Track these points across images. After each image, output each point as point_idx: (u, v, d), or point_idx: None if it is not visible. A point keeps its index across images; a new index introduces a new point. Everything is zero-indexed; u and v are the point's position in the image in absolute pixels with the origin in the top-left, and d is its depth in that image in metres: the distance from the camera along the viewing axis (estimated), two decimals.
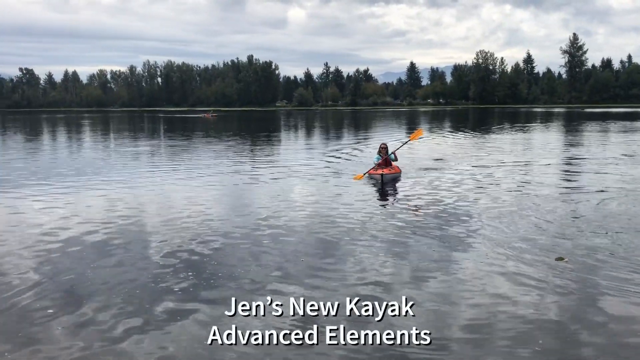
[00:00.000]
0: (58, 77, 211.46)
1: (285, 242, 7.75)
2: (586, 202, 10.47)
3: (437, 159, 18.79)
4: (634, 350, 4.46)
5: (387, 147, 14.69)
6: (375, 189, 12.58)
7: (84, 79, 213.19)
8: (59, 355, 4.46)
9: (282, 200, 11.05)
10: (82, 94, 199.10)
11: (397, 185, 13.14)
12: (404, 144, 16.51)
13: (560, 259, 6.77)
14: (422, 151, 23.01)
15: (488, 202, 10.59)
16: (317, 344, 4.57)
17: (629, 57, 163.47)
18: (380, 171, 13.24)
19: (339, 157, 20.14)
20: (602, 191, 11.62)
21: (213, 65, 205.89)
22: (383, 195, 11.94)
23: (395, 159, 14.55)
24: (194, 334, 4.79)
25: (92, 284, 6.08)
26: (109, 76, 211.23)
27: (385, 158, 14.28)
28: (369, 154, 20.38)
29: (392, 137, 31.84)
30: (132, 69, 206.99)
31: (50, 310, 5.35)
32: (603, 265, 6.52)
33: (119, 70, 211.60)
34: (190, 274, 6.39)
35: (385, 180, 12.81)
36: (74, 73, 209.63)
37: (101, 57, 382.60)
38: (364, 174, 13.95)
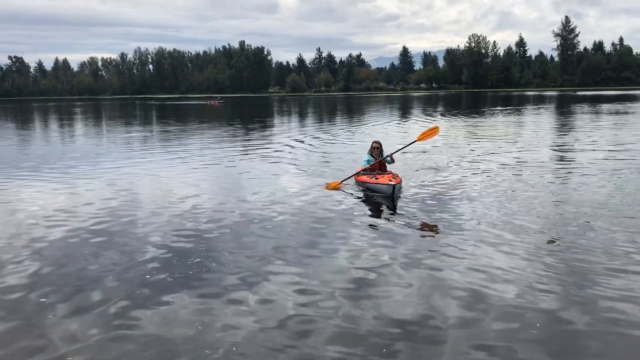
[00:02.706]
0: (48, 65, 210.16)
1: (276, 231, 7.76)
2: (578, 185, 10.56)
3: (429, 145, 18.82)
4: (628, 331, 4.56)
5: (381, 147, 11.50)
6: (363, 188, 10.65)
7: (74, 66, 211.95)
8: (50, 344, 4.51)
9: (275, 190, 11.05)
10: (73, 82, 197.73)
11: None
12: (409, 144, 12.11)
13: (551, 241, 6.87)
14: (414, 136, 23.04)
15: (480, 187, 10.65)
16: (309, 334, 4.65)
17: (621, 39, 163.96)
18: (387, 179, 10.05)
19: (331, 146, 20.16)
20: (594, 174, 11.71)
21: (205, 52, 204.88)
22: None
23: (392, 161, 11.44)
24: (188, 324, 4.82)
25: (84, 274, 6.08)
26: (100, 64, 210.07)
27: (380, 161, 11.29)
28: (358, 145, 20.36)
29: (385, 128, 31.86)
30: (123, 56, 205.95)
31: (43, 299, 5.38)
32: (593, 247, 6.61)
33: (110, 58, 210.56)
34: (182, 263, 6.40)
35: (396, 193, 9.81)
36: (65, 61, 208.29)
37: (92, 44, 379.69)
38: (343, 181, 11.00)
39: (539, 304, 5.04)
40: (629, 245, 6.64)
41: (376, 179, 10.35)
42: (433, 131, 11.51)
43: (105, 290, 5.56)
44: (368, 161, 11.30)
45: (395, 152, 11.42)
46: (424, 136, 11.45)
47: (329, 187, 10.85)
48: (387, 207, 9.33)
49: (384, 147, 11.58)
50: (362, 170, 11.10)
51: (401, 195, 9.96)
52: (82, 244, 7.18)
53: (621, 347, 4.31)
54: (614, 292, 5.24)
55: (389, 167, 11.43)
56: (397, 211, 8.84)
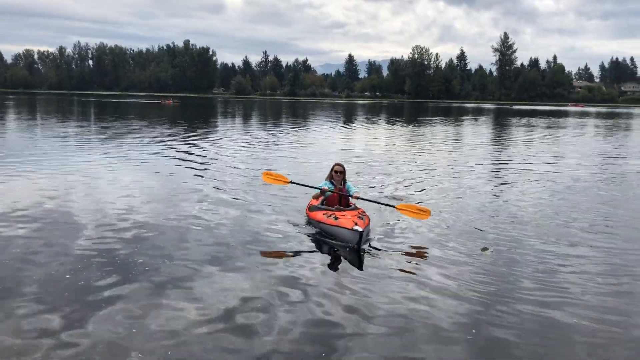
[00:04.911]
0: None
1: (211, 235, 7.63)
2: (513, 194, 10.96)
3: (370, 153, 19.08)
4: (557, 335, 4.74)
5: (344, 171, 8.69)
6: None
7: (8, 58, 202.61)
8: None
9: (212, 193, 10.87)
10: (6, 75, 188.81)
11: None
12: (382, 203, 8.97)
13: (485, 249, 7.10)
14: (357, 145, 23.29)
15: (416, 196, 10.87)
16: (243, 337, 4.62)
17: (554, 57, 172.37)
18: (351, 221, 7.23)
19: (274, 149, 20.10)
20: (528, 185, 12.21)
21: (147, 49, 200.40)
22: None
23: (355, 196, 8.43)
24: (119, 326, 4.69)
25: (13, 276, 5.82)
26: (36, 56, 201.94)
27: (341, 189, 8.54)
28: (302, 151, 20.35)
29: (327, 133, 31.97)
30: (61, 49, 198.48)
31: None
32: (525, 254, 6.88)
33: (47, 51, 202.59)
34: (116, 265, 6.20)
35: (364, 239, 7.04)
36: None
37: (28, 35, 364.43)
38: (291, 182, 9.13)
39: (471, 311, 5.16)
40: (559, 253, 6.95)
41: (336, 219, 7.52)
42: (422, 213, 8.14)
43: (33, 295, 5.30)
44: (326, 187, 8.47)
45: (365, 199, 8.67)
46: (407, 210, 8.23)
47: (268, 178, 9.28)
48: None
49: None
50: (317, 203, 8.41)
51: (370, 241, 7.40)
52: (7, 248, 6.82)
53: (550, 352, 4.49)
54: (544, 299, 5.45)
55: (352, 201, 8.49)
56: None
